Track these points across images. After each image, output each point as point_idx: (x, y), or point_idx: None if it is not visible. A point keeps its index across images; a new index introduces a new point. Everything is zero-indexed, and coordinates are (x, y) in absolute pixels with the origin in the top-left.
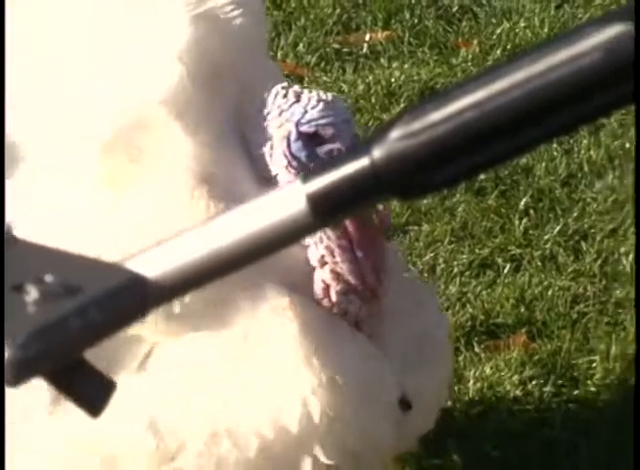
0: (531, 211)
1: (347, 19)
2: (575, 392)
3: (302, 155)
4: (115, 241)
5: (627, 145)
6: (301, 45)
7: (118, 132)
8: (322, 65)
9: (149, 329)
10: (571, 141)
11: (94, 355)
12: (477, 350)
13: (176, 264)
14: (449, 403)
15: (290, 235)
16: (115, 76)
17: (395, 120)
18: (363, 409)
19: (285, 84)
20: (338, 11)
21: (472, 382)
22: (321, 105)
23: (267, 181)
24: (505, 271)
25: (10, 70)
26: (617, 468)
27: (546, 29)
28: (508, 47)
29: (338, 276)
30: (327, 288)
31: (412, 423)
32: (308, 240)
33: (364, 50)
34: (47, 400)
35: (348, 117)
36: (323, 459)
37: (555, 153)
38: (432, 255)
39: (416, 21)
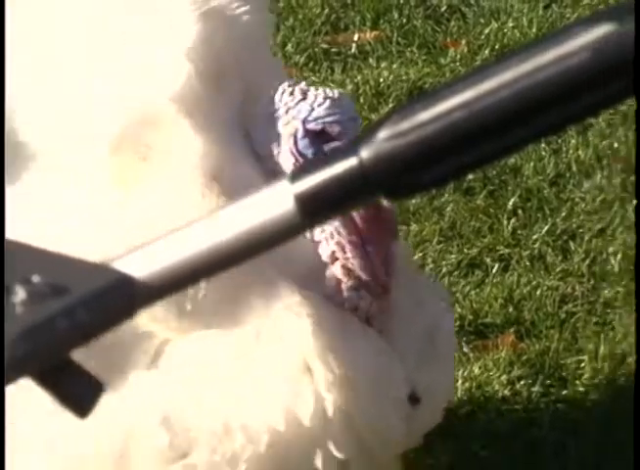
0: (520, 211)
1: (336, 19)
2: (564, 392)
3: (309, 152)
4: (125, 239)
5: (615, 145)
6: (290, 45)
7: (126, 130)
8: (310, 65)
9: (161, 326)
10: (560, 141)
11: (106, 351)
12: (465, 349)
13: (164, 264)
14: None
15: (278, 235)
16: (121, 75)
17: (384, 120)
18: (375, 404)
19: (291, 81)
20: (326, 11)
21: (460, 382)
22: (328, 102)
23: (273, 179)
24: (493, 271)
25: (13, 70)
26: (605, 468)
27: (534, 29)
28: (496, 47)
29: (349, 272)
30: (338, 284)
31: (420, 418)
32: (319, 236)
33: (353, 50)
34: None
35: (355, 114)
36: (336, 454)
37: (543, 153)
38: (420, 254)
39: (404, 20)
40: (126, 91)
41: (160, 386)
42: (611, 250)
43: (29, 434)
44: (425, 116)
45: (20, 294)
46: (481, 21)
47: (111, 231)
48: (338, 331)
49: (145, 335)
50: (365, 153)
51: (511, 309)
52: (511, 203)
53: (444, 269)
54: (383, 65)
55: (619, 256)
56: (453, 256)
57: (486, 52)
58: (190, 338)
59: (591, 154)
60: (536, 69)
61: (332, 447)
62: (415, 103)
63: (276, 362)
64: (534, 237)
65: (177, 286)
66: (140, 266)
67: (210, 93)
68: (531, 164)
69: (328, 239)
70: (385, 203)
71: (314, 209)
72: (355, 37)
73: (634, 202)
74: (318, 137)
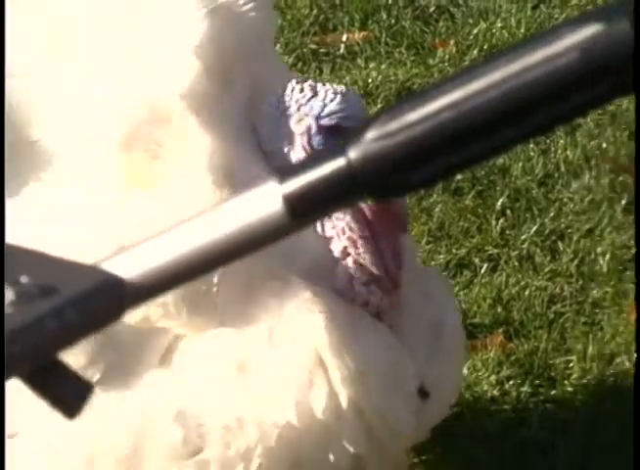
0: (508, 212)
1: (324, 19)
2: (552, 392)
3: None
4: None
5: (604, 145)
6: (278, 45)
7: (136, 128)
8: (299, 65)
9: (174, 323)
10: (548, 141)
11: (119, 347)
12: None
13: (153, 265)
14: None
15: (266, 236)
16: (128, 74)
17: (372, 121)
18: (387, 399)
19: (298, 78)
20: (315, 11)
21: None
22: (339, 97)
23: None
24: (482, 271)
25: (18, 67)
26: (593, 468)
27: (523, 30)
28: (485, 47)
29: (361, 267)
30: (349, 279)
31: (429, 412)
32: (331, 232)
33: (341, 50)
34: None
35: (363, 107)
36: (350, 449)
37: (532, 153)
38: None
39: (393, 21)
40: (133, 90)
41: (174, 383)
42: (599, 250)
43: (33, 432)
44: (413, 116)
45: (8, 295)
46: (470, 21)
47: (124, 230)
48: (349, 325)
49: (158, 331)
50: (353, 153)
51: (499, 310)
52: (499, 203)
53: None
54: (371, 65)
55: (608, 256)
56: (442, 256)
57: (475, 52)
58: (204, 336)
59: (579, 154)
60: (525, 69)
61: (345, 442)
62: (403, 103)
63: (289, 359)
64: (523, 237)
65: (166, 286)
66: (129, 267)
67: (218, 90)
68: (520, 164)
69: (340, 235)
70: None
71: (303, 209)
72: (344, 38)
73: (623, 202)
74: (331, 132)
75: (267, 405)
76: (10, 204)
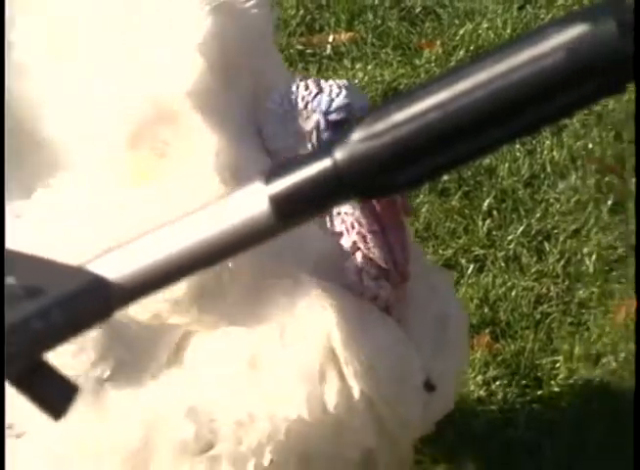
0: (495, 212)
1: (311, 20)
2: (539, 392)
3: None
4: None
5: (590, 145)
6: None
7: (142, 127)
8: (285, 66)
9: (184, 319)
10: (534, 142)
11: (129, 344)
12: None
13: (140, 266)
14: None
15: (252, 236)
16: (130, 74)
17: (358, 122)
18: (397, 392)
19: (300, 76)
20: (301, 12)
21: None
22: (344, 91)
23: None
24: (469, 272)
25: (23, 68)
26: (580, 468)
27: (509, 30)
28: (471, 48)
29: (370, 262)
30: (359, 274)
31: (435, 405)
32: (340, 227)
33: (327, 51)
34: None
35: (367, 99)
36: (361, 442)
37: (518, 154)
38: None
39: (379, 22)
40: (135, 89)
41: (186, 379)
42: (585, 250)
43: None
44: (399, 117)
45: None
46: (456, 22)
47: (130, 228)
48: (359, 319)
49: (169, 328)
50: (339, 154)
51: (486, 310)
52: (486, 204)
53: None
54: (357, 66)
55: (594, 256)
56: (428, 256)
57: (461, 53)
58: (215, 334)
59: (566, 155)
60: (511, 69)
61: (356, 435)
62: (390, 104)
63: (301, 356)
64: (509, 238)
65: (152, 287)
66: (115, 268)
67: (222, 88)
68: (506, 164)
69: (349, 230)
70: None
71: (289, 210)
72: (330, 38)
73: (609, 203)
74: (339, 127)
75: (279, 401)
76: (10, 204)
